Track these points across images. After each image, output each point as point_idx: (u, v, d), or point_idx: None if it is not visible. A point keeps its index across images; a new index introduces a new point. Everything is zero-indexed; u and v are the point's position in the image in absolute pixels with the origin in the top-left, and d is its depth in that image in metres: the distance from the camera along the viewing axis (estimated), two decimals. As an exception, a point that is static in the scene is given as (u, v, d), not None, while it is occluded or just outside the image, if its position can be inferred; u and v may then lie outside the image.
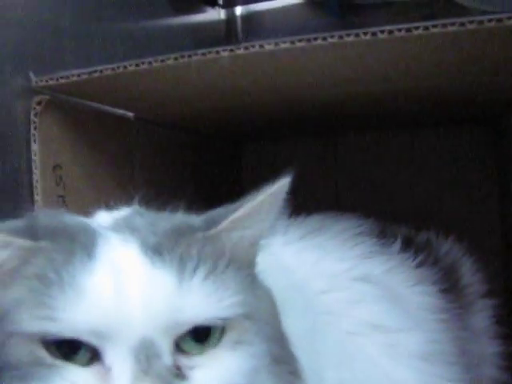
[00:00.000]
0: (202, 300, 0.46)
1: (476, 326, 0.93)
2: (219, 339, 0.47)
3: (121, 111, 1.01)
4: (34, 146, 0.82)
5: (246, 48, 0.71)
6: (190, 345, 0.46)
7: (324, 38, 0.67)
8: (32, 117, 0.82)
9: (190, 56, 0.73)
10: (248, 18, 1.46)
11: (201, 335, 0.46)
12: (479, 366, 0.90)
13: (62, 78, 0.80)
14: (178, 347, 0.45)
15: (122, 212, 0.58)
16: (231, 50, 0.71)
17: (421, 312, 0.78)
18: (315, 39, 0.67)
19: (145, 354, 0.43)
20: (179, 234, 0.49)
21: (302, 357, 0.53)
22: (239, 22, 1.46)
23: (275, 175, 1.54)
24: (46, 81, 0.81)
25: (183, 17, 1.29)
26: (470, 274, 0.98)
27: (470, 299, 0.94)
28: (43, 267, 0.45)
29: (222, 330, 0.47)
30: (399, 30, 0.64)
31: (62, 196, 0.86)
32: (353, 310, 0.68)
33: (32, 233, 0.48)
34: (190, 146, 1.26)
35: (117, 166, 0.99)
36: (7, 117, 0.81)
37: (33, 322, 0.44)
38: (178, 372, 0.44)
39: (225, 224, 0.50)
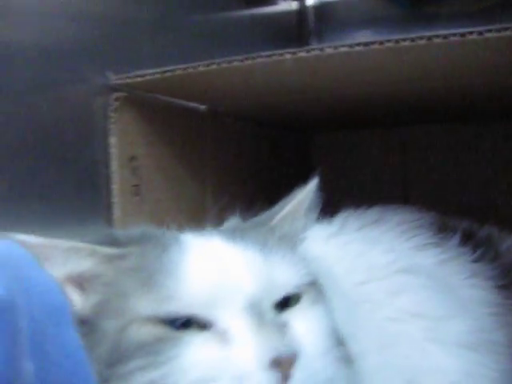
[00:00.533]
0: (288, 270, 0.54)
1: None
2: (295, 303, 0.54)
3: (193, 104, 1.07)
4: (112, 139, 0.89)
5: (308, 51, 0.75)
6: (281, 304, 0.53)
7: (381, 43, 0.70)
8: (109, 112, 0.89)
9: (254, 58, 0.78)
10: (320, 9, 1.47)
11: (278, 304, 0.53)
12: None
13: (137, 76, 0.87)
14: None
15: None
16: (294, 53, 0.75)
17: (471, 304, 0.79)
18: (372, 43, 0.70)
19: (256, 310, 0.49)
20: (247, 228, 0.59)
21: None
22: (311, 13, 1.48)
23: (343, 164, 1.57)
24: (123, 79, 0.88)
25: (255, 9, 1.32)
26: (532, 272, 0.98)
27: (530, 297, 0.95)
28: (141, 261, 0.52)
29: (298, 297, 0.55)
30: (454, 34, 0.66)
31: (136, 185, 0.93)
32: (393, 299, 0.71)
33: (114, 242, 0.54)
34: (260, 136, 1.30)
35: (189, 157, 1.05)
36: (86, 112, 0.89)
37: (149, 307, 0.49)
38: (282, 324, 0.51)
39: (275, 220, 0.61)
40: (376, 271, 0.74)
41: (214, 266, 0.51)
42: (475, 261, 0.86)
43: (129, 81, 0.88)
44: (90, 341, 0.48)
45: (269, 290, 0.52)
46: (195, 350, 0.47)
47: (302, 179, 0.63)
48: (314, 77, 0.86)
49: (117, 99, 0.90)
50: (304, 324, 0.53)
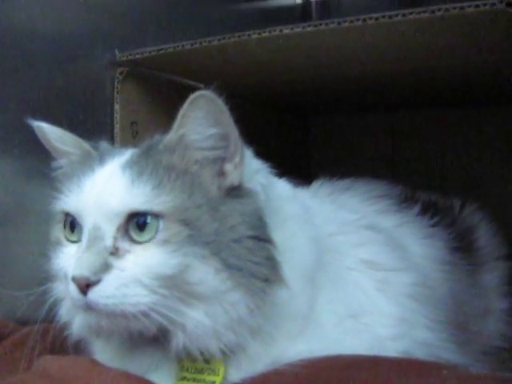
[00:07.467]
0: (137, 196, 0.63)
1: (486, 284, 1.03)
2: (154, 236, 0.63)
3: (191, 82, 1.21)
4: (116, 106, 1.06)
5: (303, 27, 0.87)
6: (135, 231, 0.63)
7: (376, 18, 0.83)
8: (116, 84, 1.06)
9: (249, 35, 0.91)
10: (323, 4, 1.55)
11: (142, 226, 0.63)
12: (483, 319, 1.00)
13: (138, 54, 1.02)
14: (128, 235, 0.64)
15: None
16: (291, 29, 0.88)
17: (423, 260, 0.89)
18: (370, 19, 0.83)
19: (93, 235, 0.64)
20: (147, 151, 0.68)
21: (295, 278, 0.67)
22: (314, 6, 1.56)
23: (340, 147, 1.67)
24: (127, 56, 1.04)
25: (258, 2, 1.43)
26: (486, 238, 1.08)
27: (484, 259, 1.05)
28: (78, 170, 0.69)
29: (157, 229, 0.63)
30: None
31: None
32: (354, 250, 0.80)
33: (95, 146, 0.73)
34: (258, 116, 1.42)
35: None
36: (98, 84, 1.06)
37: (62, 204, 0.68)
38: (115, 252, 0.63)
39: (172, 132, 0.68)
40: (344, 226, 0.83)
41: (91, 190, 0.66)
42: (433, 225, 0.97)
43: (131, 57, 1.03)
44: None
45: (111, 220, 0.64)
46: (68, 250, 0.68)
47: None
48: (306, 53, 1.00)
49: (121, 73, 1.06)
50: (139, 259, 0.63)
